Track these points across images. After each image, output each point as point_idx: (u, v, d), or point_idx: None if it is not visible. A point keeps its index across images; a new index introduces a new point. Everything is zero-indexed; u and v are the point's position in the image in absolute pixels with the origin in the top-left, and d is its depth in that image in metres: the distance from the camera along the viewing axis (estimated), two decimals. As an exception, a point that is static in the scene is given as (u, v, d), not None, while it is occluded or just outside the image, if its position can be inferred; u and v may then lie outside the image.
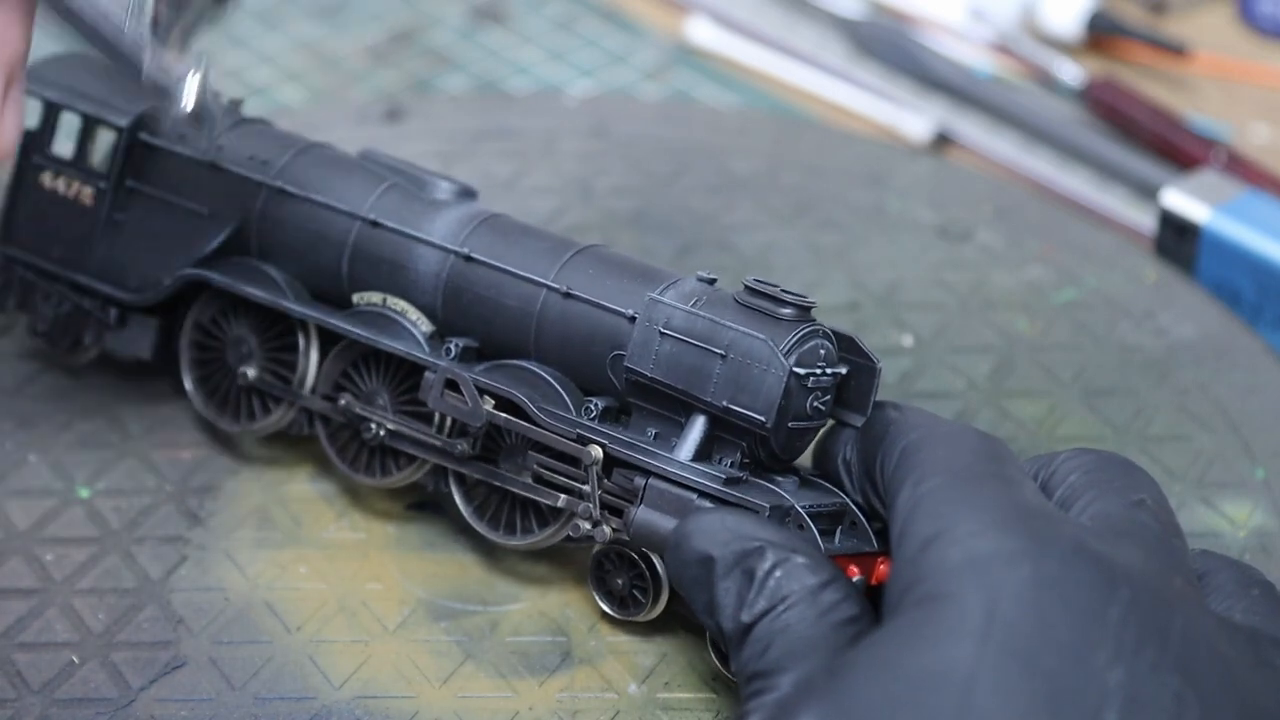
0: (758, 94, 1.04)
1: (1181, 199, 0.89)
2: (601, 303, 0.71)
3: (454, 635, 0.72)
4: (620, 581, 0.71)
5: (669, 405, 0.70)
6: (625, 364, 0.70)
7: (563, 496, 0.71)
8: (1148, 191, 0.95)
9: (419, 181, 0.76)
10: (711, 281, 0.71)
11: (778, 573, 0.63)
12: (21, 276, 0.80)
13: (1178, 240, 0.89)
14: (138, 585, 0.74)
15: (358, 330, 0.74)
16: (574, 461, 0.70)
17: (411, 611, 0.73)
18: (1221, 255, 0.88)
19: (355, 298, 0.75)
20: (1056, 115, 1.01)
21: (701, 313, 0.69)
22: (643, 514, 0.69)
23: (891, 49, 1.04)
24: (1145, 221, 0.94)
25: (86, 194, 0.79)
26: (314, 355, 0.76)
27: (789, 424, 0.68)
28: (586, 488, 0.70)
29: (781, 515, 0.67)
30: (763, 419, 0.68)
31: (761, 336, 0.68)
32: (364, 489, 0.77)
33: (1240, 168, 0.96)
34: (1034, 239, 0.91)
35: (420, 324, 0.74)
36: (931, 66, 1.03)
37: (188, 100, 0.70)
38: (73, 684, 0.70)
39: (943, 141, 1.01)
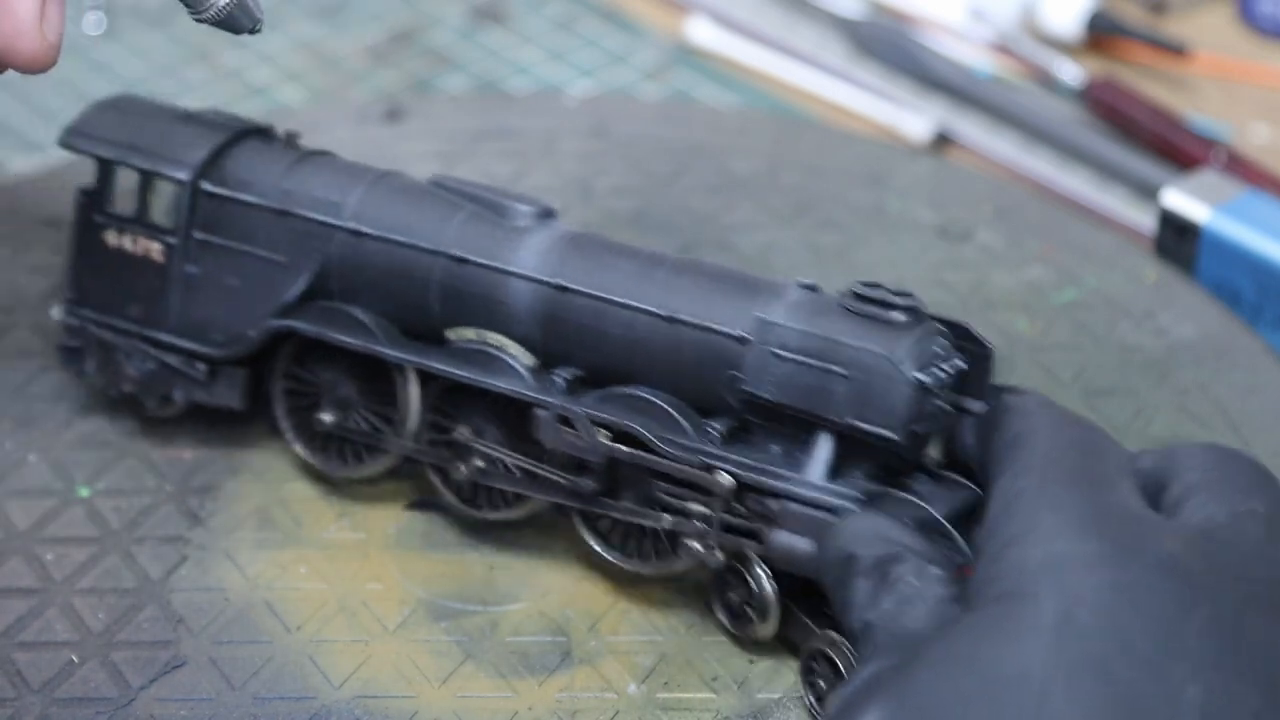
0: (758, 94, 1.04)
1: (1181, 199, 0.89)
2: (709, 325, 0.70)
3: (454, 635, 0.72)
4: (735, 597, 0.70)
5: (790, 423, 0.69)
6: (742, 387, 0.69)
7: (679, 520, 0.69)
8: (1148, 191, 0.95)
9: (498, 207, 0.74)
10: (813, 288, 0.70)
11: (911, 578, 0.63)
12: (99, 338, 0.78)
13: (1178, 240, 0.89)
14: (138, 585, 0.74)
15: (462, 371, 0.72)
16: (699, 488, 0.69)
17: (411, 611, 0.73)
18: (1221, 255, 0.87)
19: (449, 334, 0.74)
20: (1056, 115, 1.01)
21: (815, 330, 0.68)
22: (781, 538, 0.68)
23: (891, 49, 1.04)
24: (1145, 221, 0.94)
25: (155, 250, 0.77)
26: (414, 395, 0.74)
27: (915, 428, 0.67)
28: (708, 510, 0.69)
29: (921, 523, 0.66)
30: (892, 434, 0.67)
31: (881, 351, 0.67)
32: (364, 490, 0.77)
33: (1240, 168, 0.96)
34: (1034, 239, 0.91)
35: (522, 358, 0.73)
36: (931, 66, 1.03)
37: None
38: (73, 683, 0.70)
39: (943, 141, 1.01)
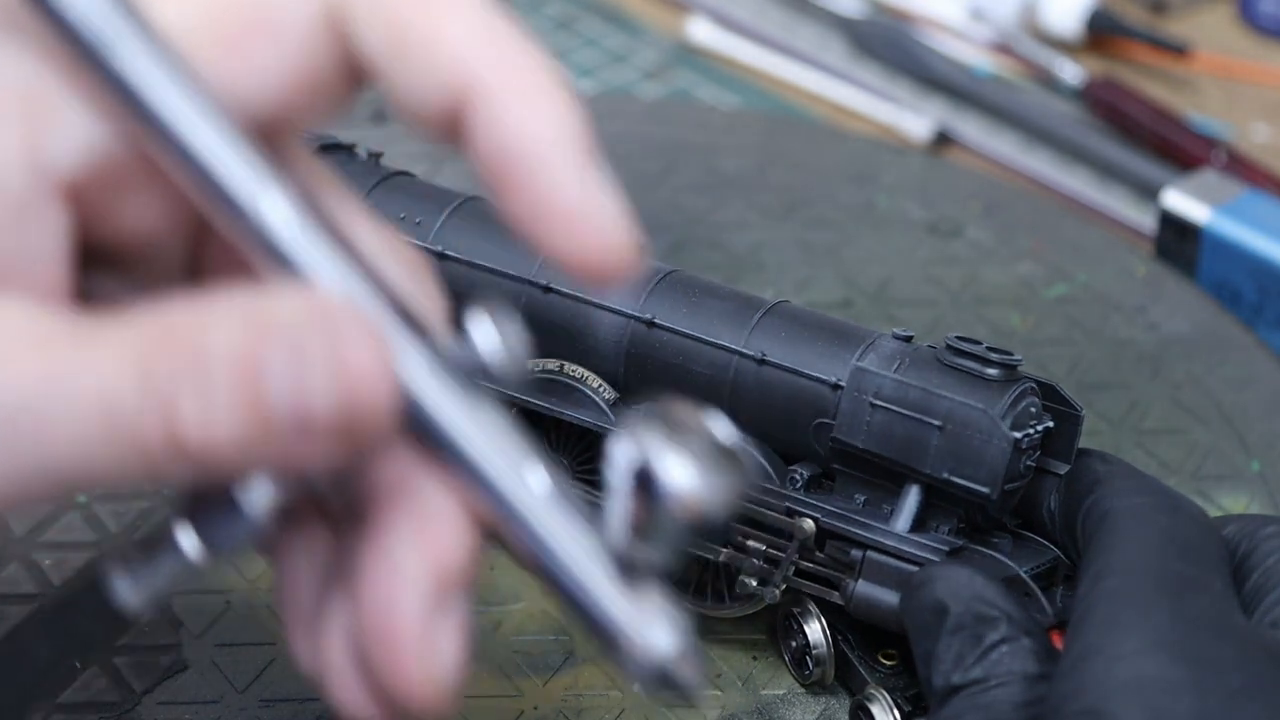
0: (758, 94, 1.04)
1: (1182, 199, 0.88)
2: (801, 370, 0.68)
3: (457, 636, 0.72)
4: (795, 644, 0.70)
5: (878, 473, 0.68)
6: (834, 435, 0.67)
7: (749, 561, 0.68)
8: (1148, 191, 0.95)
9: None
10: (908, 339, 0.68)
11: (1004, 648, 0.61)
12: None
13: (1178, 240, 0.89)
14: (139, 588, 0.74)
15: (540, 400, 0.71)
16: (779, 533, 0.68)
17: (414, 613, 0.73)
18: (1222, 255, 0.87)
19: (530, 363, 0.72)
20: (1056, 115, 1.01)
21: (912, 381, 0.66)
22: (863, 588, 0.67)
23: (891, 48, 1.04)
24: (1146, 221, 0.94)
25: None
26: None
27: (1007, 487, 0.66)
28: (778, 553, 0.68)
29: (1006, 581, 0.65)
30: (987, 490, 0.66)
31: (980, 406, 0.65)
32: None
33: (1240, 168, 0.96)
34: (1023, 235, 0.91)
35: (603, 391, 0.71)
36: (931, 66, 1.03)
37: (666, 653, 0.48)
38: (75, 689, 0.70)
39: (943, 141, 1.01)
